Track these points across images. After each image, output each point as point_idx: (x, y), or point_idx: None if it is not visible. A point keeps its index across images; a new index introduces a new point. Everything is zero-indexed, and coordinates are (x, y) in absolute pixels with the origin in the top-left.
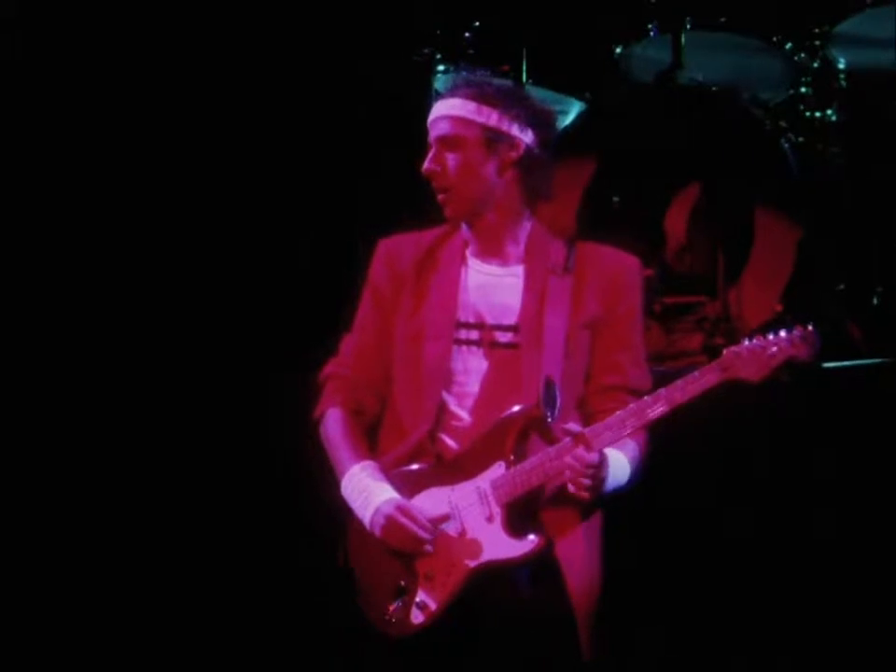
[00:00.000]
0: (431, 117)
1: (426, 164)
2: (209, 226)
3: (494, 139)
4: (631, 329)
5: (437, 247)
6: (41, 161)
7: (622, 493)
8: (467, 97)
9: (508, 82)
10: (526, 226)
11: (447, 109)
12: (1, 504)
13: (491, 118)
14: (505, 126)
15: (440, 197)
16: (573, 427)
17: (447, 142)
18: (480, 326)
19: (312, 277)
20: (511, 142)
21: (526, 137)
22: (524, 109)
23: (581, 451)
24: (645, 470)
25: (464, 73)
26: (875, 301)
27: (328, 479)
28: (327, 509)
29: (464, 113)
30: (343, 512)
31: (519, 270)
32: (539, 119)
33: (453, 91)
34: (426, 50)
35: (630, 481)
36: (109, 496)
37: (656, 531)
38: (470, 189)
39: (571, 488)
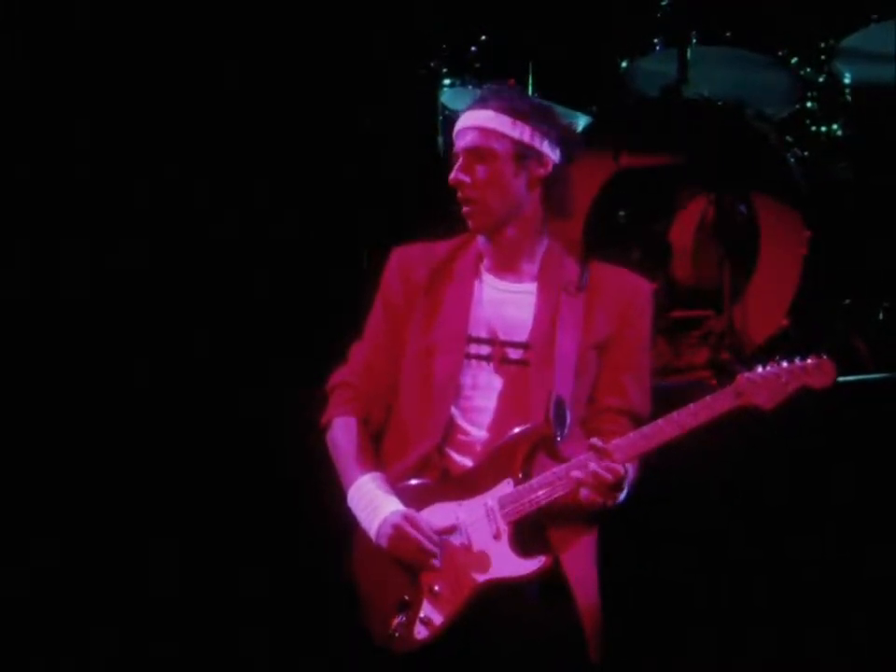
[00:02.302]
0: (459, 126)
1: (454, 174)
2: (217, 233)
3: (525, 155)
4: (638, 353)
5: (451, 260)
6: (41, 166)
7: (613, 509)
8: (499, 110)
9: (538, 98)
10: (543, 244)
11: (478, 121)
12: (2, 506)
13: (524, 133)
14: (537, 143)
15: (465, 209)
16: (597, 441)
17: (477, 153)
18: (491, 341)
19: (320, 285)
20: (541, 159)
21: (554, 155)
22: (553, 127)
23: (607, 462)
24: (634, 491)
25: (494, 85)
26: (880, 316)
27: (332, 488)
28: (330, 519)
29: (497, 126)
30: (346, 523)
31: (532, 287)
32: (566, 138)
33: (483, 103)
34: (432, 64)
35: (623, 499)
36: (111, 501)
37: (661, 542)
38: (498, 202)
39: (585, 493)
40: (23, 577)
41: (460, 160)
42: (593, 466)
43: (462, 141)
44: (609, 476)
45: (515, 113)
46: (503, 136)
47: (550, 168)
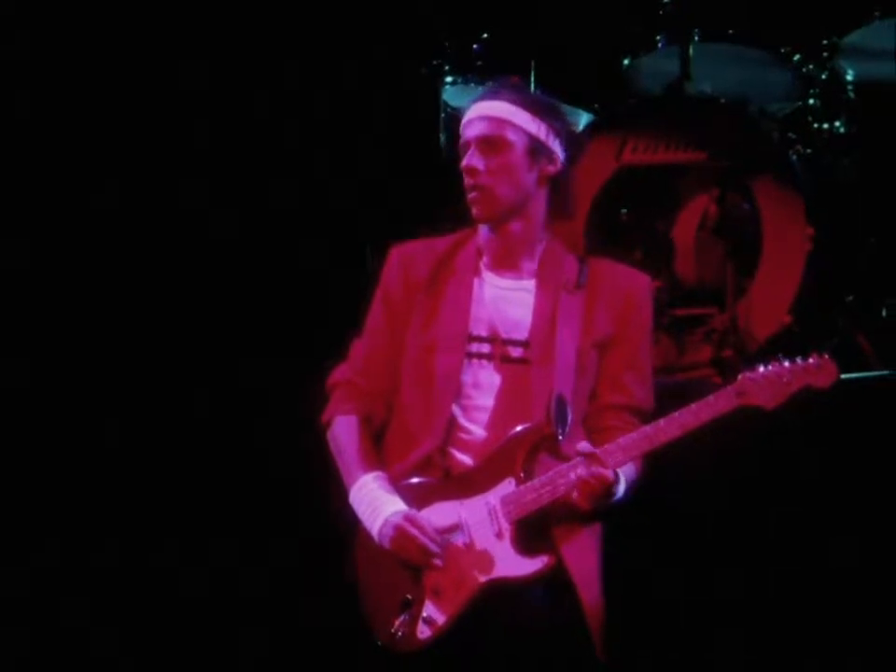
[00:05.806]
0: (471, 115)
1: (466, 160)
2: (218, 230)
3: (538, 151)
4: (640, 349)
5: (451, 256)
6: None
7: (612, 509)
8: (517, 104)
9: (549, 96)
10: (543, 241)
11: (493, 111)
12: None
13: (540, 130)
14: (550, 140)
15: (471, 195)
16: (585, 446)
17: (492, 143)
18: (492, 339)
19: (320, 282)
20: (551, 157)
21: (563, 155)
22: (564, 127)
23: (598, 468)
24: (636, 490)
25: (507, 79)
26: (883, 313)
27: (332, 487)
28: (330, 518)
29: (514, 118)
30: (349, 521)
31: (531, 284)
32: (571, 138)
33: (496, 95)
34: (434, 62)
35: (622, 499)
36: (111, 500)
37: (665, 539)
38: (507, 193)
39: (576, 495)
40: (23, 577)
41: (472, 148)
42: (581, 471)
43: (475, 130)
44: (596, 483)
45: (533, 108)
46: (520, 129)
47: (559, 167)
